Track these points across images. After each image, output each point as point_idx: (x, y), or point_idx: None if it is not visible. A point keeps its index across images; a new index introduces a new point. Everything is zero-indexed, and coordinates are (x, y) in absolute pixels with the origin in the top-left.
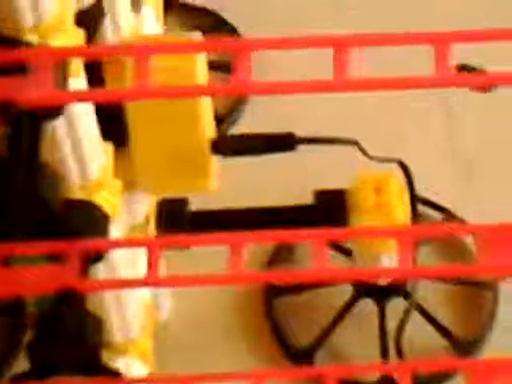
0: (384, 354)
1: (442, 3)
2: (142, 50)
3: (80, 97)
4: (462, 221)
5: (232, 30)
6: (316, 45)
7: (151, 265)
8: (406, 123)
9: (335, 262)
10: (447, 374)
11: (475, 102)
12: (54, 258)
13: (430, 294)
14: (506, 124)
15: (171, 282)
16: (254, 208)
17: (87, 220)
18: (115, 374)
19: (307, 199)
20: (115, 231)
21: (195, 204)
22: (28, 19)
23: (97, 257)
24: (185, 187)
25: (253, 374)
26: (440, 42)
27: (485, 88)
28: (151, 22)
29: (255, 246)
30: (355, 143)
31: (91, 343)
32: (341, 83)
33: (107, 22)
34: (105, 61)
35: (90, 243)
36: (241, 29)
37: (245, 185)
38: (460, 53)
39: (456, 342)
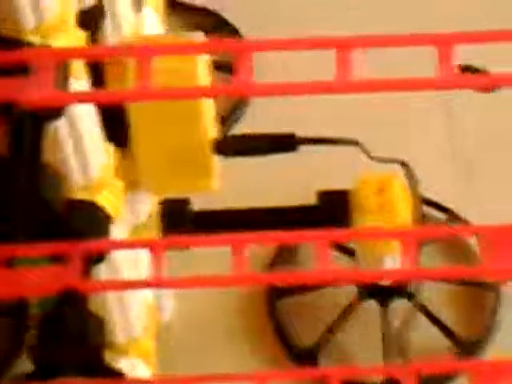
0: (387, 354)
1: (445, 4)
2: (144, 51)
3: (81, 98)
4: (464, 221)
5: (233, 31)
6: (318, 46)
7: (154, 266)
8: (407, 123)
9: (338, 263)
10: (451, 375)
11: (475, 103)
12: (56, 259)
13: (433, 294)
14: (506, 124)
15: (174, 283)
16: (257, 208)
17: (89, 220)
18: (118, 374)
19: (310, 199)
20: (117, 231)
21: (197, 204)
22: (29, 19)
23: (99, 257)
24: (187, 187)
25: (256, 375)
26: (443, 43)
27: (488, 89)
28: (152, 23)
29: (257, 246)
30: (357, 143)
31: (93, 344)
32: (343, 84)
33: (108, 22)
34: (106, 62)
35: (92, 244)
36: (242, 30)
37: (247, 185)
38: (463, 54)
39: (459, 343)
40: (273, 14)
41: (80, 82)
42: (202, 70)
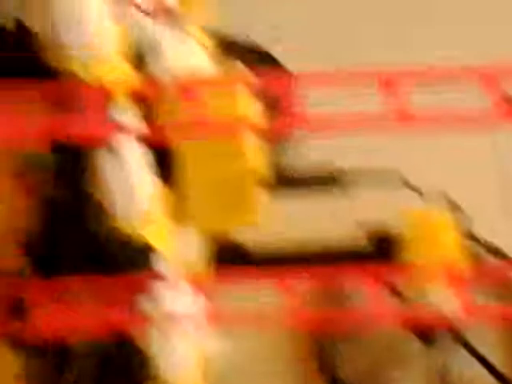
0: None
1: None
2: (191, 86)
3: (130, 132)
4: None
5: (278, 65)
6: (366, 79)
7: (202, 301)
8: (454, 157)
9: (386, 301)
10: None
11: None
12: (102, 294)
13: (480, 333)
14: None
15: (221, 319)
16: (303, 244)
17: (134, 254)
18: None
19: (355, 233)
20: (164, 266)
21: (246, 237)
22: (79, 54)
23: (144, 292)
24: (232, 222)
25: None
26: (490, 76)
27: None
28: (199, 57)
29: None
30: (403, 178)
31: (138, 379)
32: (394, 117)
33: (155, 56)
34: (153, 96)
35: (138, 278)
36: (288, 65)
37: (294, 219)
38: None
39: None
40: (317, 49)
41: (127, 116)
42: (249, 103)
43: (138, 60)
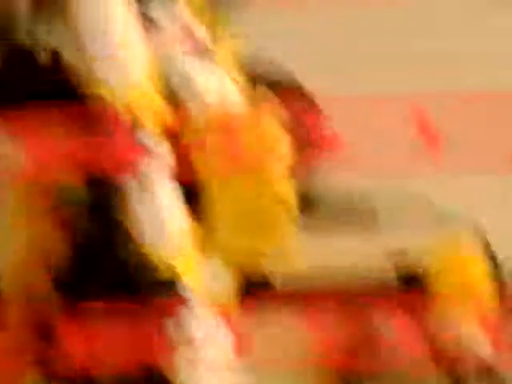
0: None
1: None
2: (222, 119)
3: (158, 156)
4: None
5: (308, 97)
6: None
7: (227, 331)
8: (483, 191)
9: (414, 334)
10: None
11: None
12: (131, 320)
13: None
14: None
15: (248, 350)
16: (331, 276)
17: (162, 282)
18: None
19: (383, 264)
20: (192, 296)
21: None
22: (108, 78)
23: (171, 318)
24: (261, 254)
25: None
26: None
27: None
28: (229, 89)
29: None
30: (433, 209)
31: None
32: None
33: (185, 88)
34: (183, 128)
35: (165, 305)
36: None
37: (321, 251)
38: None
39: None
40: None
41: (156, 142)
42: (279, 137)
43: (169, 92)
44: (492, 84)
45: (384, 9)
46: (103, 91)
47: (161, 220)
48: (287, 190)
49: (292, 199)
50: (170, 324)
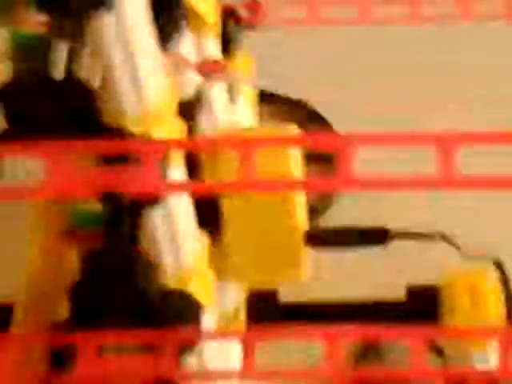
0: None
1: None
2: (244, 144)
3: (181, 188)
4: None
5: (324, 123)
6: (419, 142)
7: (247, 357)
8: (500, 216)
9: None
10: None
11: None
12: (148, 348)
13: None
14: None
15: (265, 373)
16: (344, 302)
17: (181, 309)
18: None
19: (399, 294)
20: (208, 321)
21: (285, 295)
22: (132, 110)
23: (190, 347)
24: (275, 278)
25: None
26: None
27: None
28: (245, 114)
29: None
30: (448, 239)
31: None
32: (447, 181)
33: (205, 113)
34: (201, 151)
35: (185, 333)
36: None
37: (336, 278)
38: None
39: None
40: (363, 109)
41: (178, 171)
42: (295, 163)
43: (187, 112)
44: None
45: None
46: (127, 122)
47: (176, 240)
48: (304, 216)
49: (308, 224)
50: (188, 351)
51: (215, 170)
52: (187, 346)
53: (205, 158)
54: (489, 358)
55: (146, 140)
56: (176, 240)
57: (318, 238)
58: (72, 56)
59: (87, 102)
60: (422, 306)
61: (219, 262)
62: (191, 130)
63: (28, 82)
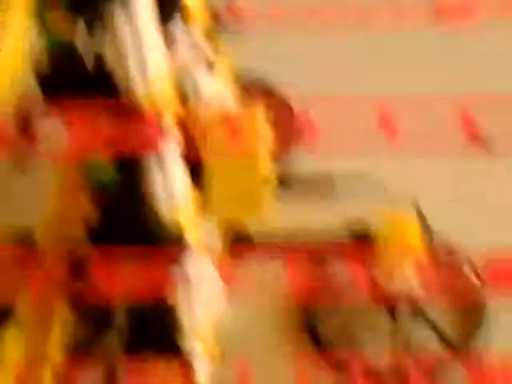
0: (394, 349)
1: None
2: (221, 117)
3: (174, 139)
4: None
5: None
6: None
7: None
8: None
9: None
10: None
11: None
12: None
13: (434, 305)
14: None
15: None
16: (298, 234)
17: (171, 234)
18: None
19: (340, 227)
20: (192, 245)
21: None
22: (142, 85)
23: (176, 260)
24: (246, 215)
25: None
26: None
27: None
28: (226, 94)
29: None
30: (383, 186)
31: (169, 330)
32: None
33: (195, 93)
34: (192, 123)
35: (172, 250)
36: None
37: (293, 216)
38: None
39: (453, 345)
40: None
41: (173, 131)
42: (263, 129)
43: (182, 92)
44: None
45: (386, 33)
46: (135, 91)
47: (172, 190)
48: (270, 171)
49: (273, 177)
50: (174, 266)
51: (201, 136)
52: (174, 261)
53: (194, 128)
54: (412, 279)
55: (150, 105)
56: (170, 186)
57: (281, 184)
58: (92, 39)
59: (105, 75)
60: (361, 240)
61: (204, 205)
62: (185, 103)
63: (59, 63)
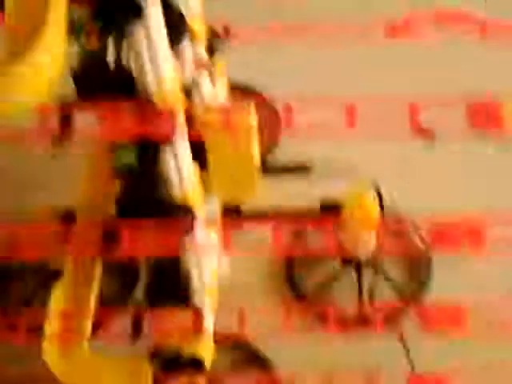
0: (361, 300)
1: None
2: (218, 109)
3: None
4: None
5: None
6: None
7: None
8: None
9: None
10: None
11: None
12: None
13: (389, 262)
14: None
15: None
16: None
17: (182, 208)
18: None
19: (314, 204)
20: (199, 217)
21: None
22: (156, 86)
23: (187, 230)
24: (240, 193)
25: None
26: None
27: None
28: (221, 93)
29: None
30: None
31: (182, 286)
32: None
33: (196, 91)
34: (194, 113)
35: (183, 221)
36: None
37: (274, 197)
38: None
39: (406, 295)
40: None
41: (181, 121)
42: (253, 121)
43: (187, 92)
44: None
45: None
46: (151, 92)
47: (182, 173)
48: (257, 154)
49: (258, 160)
50: (185, 233)
51: (203, 124)
52: (185, 230)
53: (195, 116)
54: (369, 240)
55: (163, 101)
56: (179, 170)
57: (267, 169)
58: (119, 49)
59: (127, 77)
60: (329, 213)
61: (206, 182)
62: (188, 100)
63: (92, 70)
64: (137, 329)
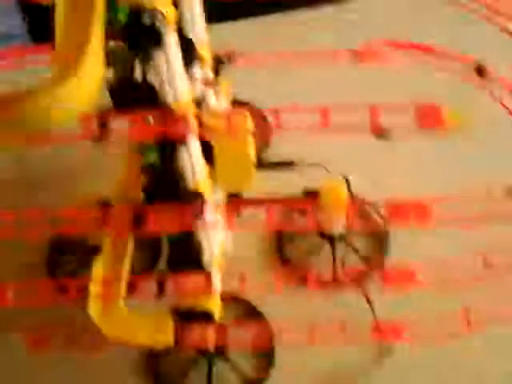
0: (335, 267)
1: None
2: (222, 116)
3: (195, 130)
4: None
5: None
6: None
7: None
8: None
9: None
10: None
11: None
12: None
13: (356, 237)
14: None
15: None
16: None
17: (195, 193)
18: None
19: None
20: (208, 202)
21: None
22: (174, 98)
23: (199, 211)
24: (239, 186)
25: None
26: None
27: None
28: (225, 104)
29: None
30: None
31: (195, 253)
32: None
33: (205, 103)
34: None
35: (196, 205)
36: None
37: (267, 186)
38: None
39: (370, 261)
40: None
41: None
42: (249, 124)
43: (197, 103)
44: None
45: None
46: (170, 102)
47: (194, 167)
48: (253, 153)
49: (254, 157)
50: (198, 215)
51: (209, 127)
52: (198, 211)
53: (203, 122)
54: (342, 220)
55: (179, 110)
56: (193, 165)
57: (261, 164)
58: (144, 69)
59: (151, 91)
60: (309, 198)
61: (213, 176)
62: (199, 110)
63: (124, 85)
64: (161, 290)
